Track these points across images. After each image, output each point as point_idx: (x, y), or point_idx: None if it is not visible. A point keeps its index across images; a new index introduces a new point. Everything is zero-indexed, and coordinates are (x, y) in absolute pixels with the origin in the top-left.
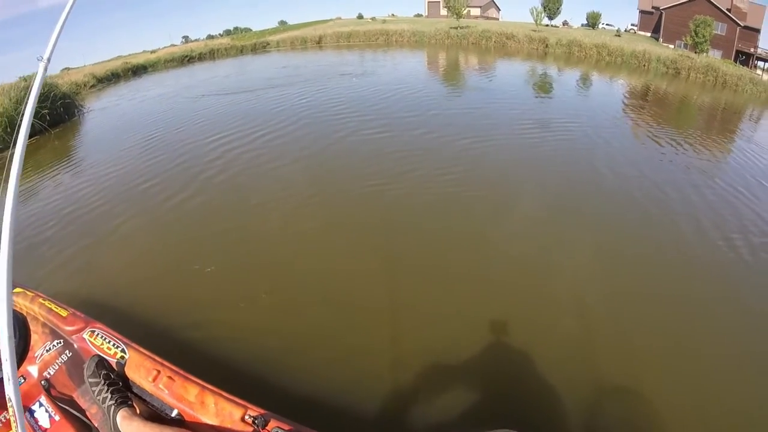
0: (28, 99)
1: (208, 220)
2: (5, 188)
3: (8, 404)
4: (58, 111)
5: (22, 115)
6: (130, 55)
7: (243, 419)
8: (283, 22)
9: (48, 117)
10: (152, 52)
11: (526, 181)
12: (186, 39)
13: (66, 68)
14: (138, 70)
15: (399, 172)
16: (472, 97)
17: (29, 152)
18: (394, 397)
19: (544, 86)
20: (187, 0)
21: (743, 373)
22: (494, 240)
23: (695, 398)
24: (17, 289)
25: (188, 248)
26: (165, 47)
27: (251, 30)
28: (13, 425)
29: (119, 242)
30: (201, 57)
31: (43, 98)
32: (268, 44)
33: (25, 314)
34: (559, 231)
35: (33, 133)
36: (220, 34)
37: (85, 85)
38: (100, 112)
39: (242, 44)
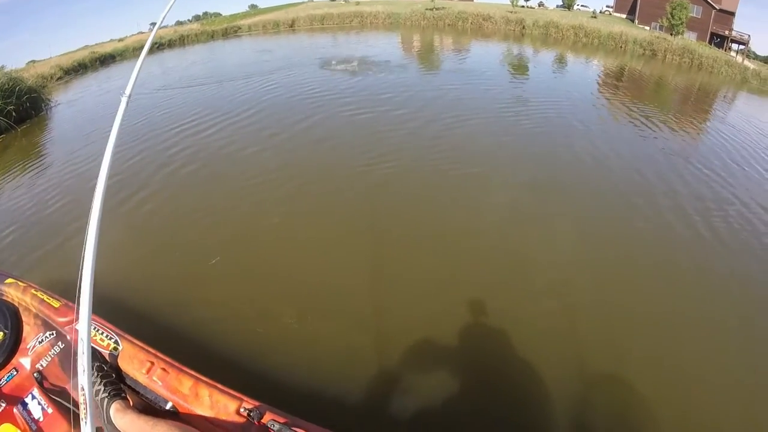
0: (111, 133)
1: (196, 210)
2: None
3: (80, 395)
4: (25, 107)
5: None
6: (97, 44)
7: (238, 412)
8: (253, 6)
9: (14, 113)
10: (120, 40)
11: (508, 163)
12: (154, 25)
13: (32, 61)
14: (106, 60)
15: (383, 155)
16: (452, 78)
17: None
18: (388, 390)
19: (522, 67)
20: None
21: (730, 369)
22: (478, 229)
23: (681, 391)
24: (9, 280)
25: (180, 240)
26: (133, 35)
27: (221, 15)
28: (82, 413)
29: (110, 234)
30: (171, 44)
31: (8, 94)
32: (240, 29)
33: (17, 305)
34: (544, 217)
35: None
36: (189, 20)
37: (51, 78)
38: (68, 106)
39: (213, 29)
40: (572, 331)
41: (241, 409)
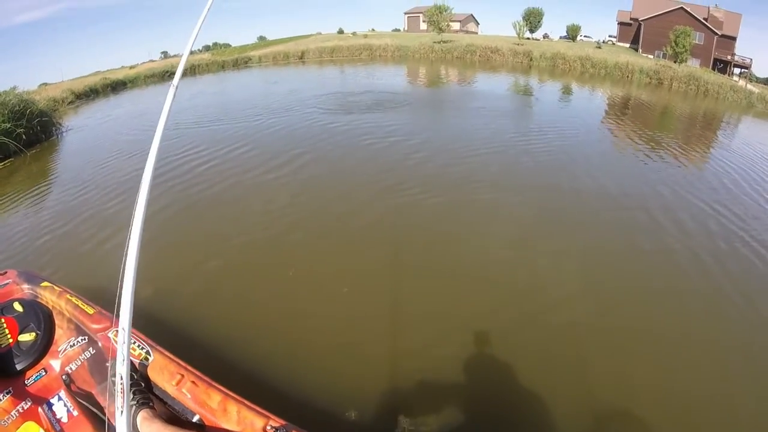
0: (158, 127)
1: (227, 228)
2: None
3: (117, 384)
4: (35, 130)
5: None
6: (108, 70)
7: (264, 429)
8: (262, 38)
9: (24, 137)
10: (131, 67)
11: (515, 194)
12: (165, 54)
13: (43, 83)
14: (117, 87)
15: (400, 184)
16: (464, 111)
17: (3, 176)
18: (408, 415)
19: (530, 99)
20: (161, 16)
21: (733, 392)
22: (483, 252)
23: (686, 414)
24: (44, 284)
25: (216, 258)
26: (144, 63)
27: (230, 45)
28: (119, 404)
29: (145, 247)
30: (183, 73)
31: (18, 116)
32: (250, 59)
33: (50, 308)
34: (549, 244)
35: (7, 154)
36: (199, 50)
37: (63, 101)
38: (79, 131)
39: (223, 60)
40: (578, 359)
41: (268, 427)
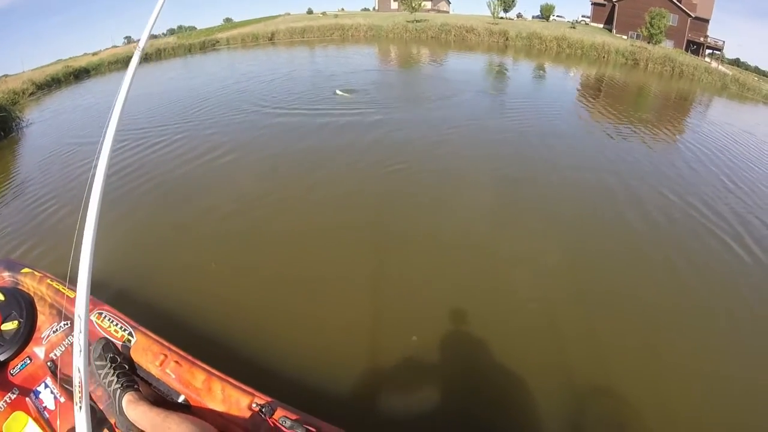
0: (120, 90)
1: (212, 208)
2: None
3: (74, 376)
4: None
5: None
6: (70, 58)
7: (250, 407)
8: (228, 20)
9: None
10: (94, 54)
11: (492, 176)
12: (128, 39)
13: (4, 75)
14: (80, 74)
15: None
16: (447, 90)
17: None
18: (396, 391)
19: (507, 78)
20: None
21: (707, 368)
22: (455, 237)
23: (661, 395)
24: (25, 270)
25: (196, 235)
26: (107, 48)
27: (195, 28)
28: (77, 398)
29: (124, 228)
30: (147, 57)
31: None
32: (218, 42)
33: (32, 295)
34: (523, 228)
35: None
36: (164, 33)
37: (23, 93)
38: (42, 125)
39: (190, 43)
40: (559, 339)
41: (253, 405)
